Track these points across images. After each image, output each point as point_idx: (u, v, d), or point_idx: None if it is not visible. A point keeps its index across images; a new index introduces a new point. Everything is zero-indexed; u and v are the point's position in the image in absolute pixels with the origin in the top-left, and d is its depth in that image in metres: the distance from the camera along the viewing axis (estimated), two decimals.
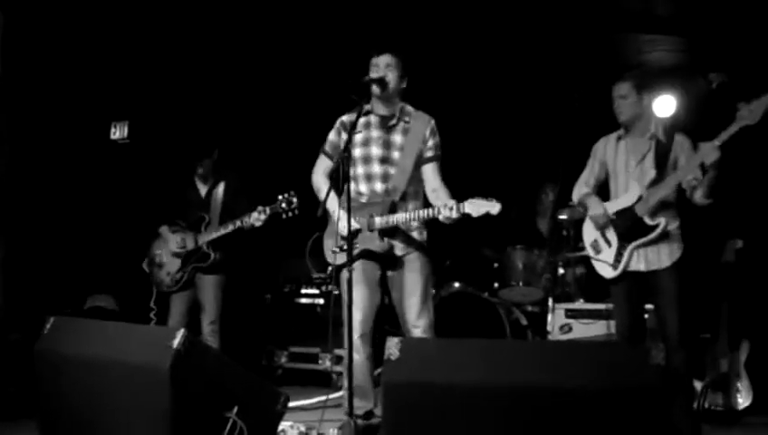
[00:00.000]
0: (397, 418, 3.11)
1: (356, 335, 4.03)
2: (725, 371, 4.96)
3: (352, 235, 3.81)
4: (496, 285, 6.43)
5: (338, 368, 5.91)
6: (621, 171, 4.39)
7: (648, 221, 4.20)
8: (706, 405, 4.90)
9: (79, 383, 3.60)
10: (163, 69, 6.73)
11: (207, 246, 5.26)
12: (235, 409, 3.43)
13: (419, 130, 4.28)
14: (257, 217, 4.95)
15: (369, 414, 4.19)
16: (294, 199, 4.79)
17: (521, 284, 6.25)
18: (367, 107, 4.27)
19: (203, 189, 5.48)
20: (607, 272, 4.35)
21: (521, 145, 7.18)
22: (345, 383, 3.96)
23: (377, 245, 4.15)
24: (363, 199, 4.23)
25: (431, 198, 4.25)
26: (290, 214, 4.81)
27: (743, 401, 4.89)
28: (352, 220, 3.79)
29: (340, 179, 4.11)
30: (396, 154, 4.26)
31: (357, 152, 4.22)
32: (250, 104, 7.22)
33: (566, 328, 5.67)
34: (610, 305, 4.94)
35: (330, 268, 4.32)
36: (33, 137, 6.24)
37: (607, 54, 6.60)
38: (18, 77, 5.89)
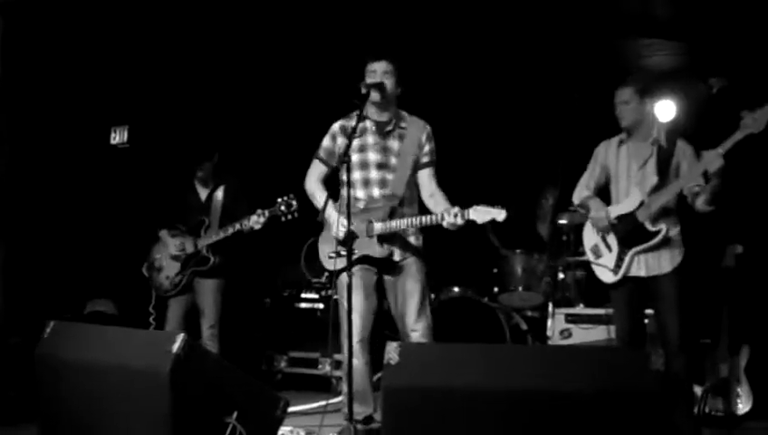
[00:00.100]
0: (396, 422, 3.11)
1: (355, 340, 4.03)
2: (726, 376, 4.95)
3: (352, 240, 3.81)
4: (496, 289, 6.43)
5: (337, 373, 5.90)
6: (623, 176, 4.39)
7: (650, 227, 4.20)
8: (707, 410, 4.89)
9: (79, 388, 3.60)
10: (163, 73, 6.74)
11: (207, 249, 5.26)
12: (235, 414, 3.43)
13: (415, 136, 4.30)
14: (256, 220, 4.95)
15: (368, 419, 4.18)
16: (294, 202, 4.79)
17: (521, 288, 6.25)
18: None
19: (203, 193, 5.48)
20: (607, 277, 4.35)
21: (520, 149, 7.18)
22: (345, 388, 3.95)
23: (377, 250, 4.16)
24: (360, 205, 4.24)
25: (428, 203, 4.27)
26: (289, 217, 4.81)
27: (743, 406, 4.88)
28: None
29: (338, 184, 4.13)
30: (393, 160, 4.28)
31: (354, 158, 4.23)
32: (249, 108, 7.22)
33: (566, 333, 5.67)
34: (610, 310, 4.93)
35: (326, 273, 4.33)
36: (34, 141, 6.25)
37: (607, 58, 6.60)
38: (18, 81, 5.90)
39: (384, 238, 4.18)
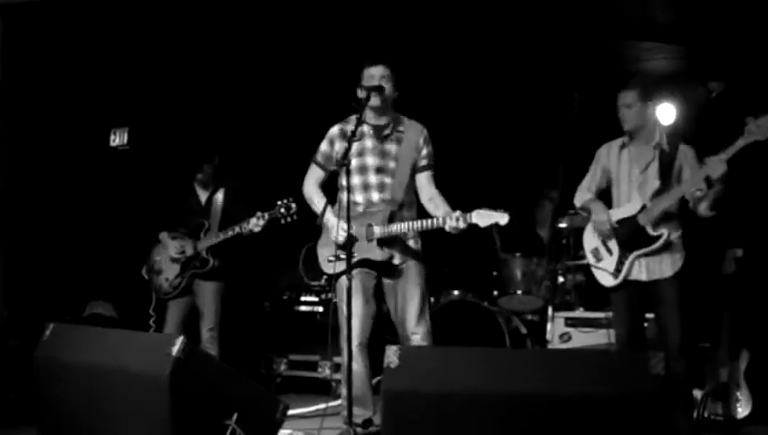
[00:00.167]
0: (396, 426, 3.11)
1: (354, 343, 4.03)
2: (725, 380, 4.95)
3: (352, 244, 3.81)
4: (495, 293, 6.42)
5: (337, 376, 5.89)
6: (624, 179, 4.38)
7: (651, 231, 4.20)
8: (706, 414, 4.88)
9: (78, 390, 3.60)
10: (163, 75, 6.74)
11: (206, 252, 5.26)
12: (235, 416, 3.43)
13: (413, 139, 4.31)
14: (256, 223, 4.95)
15: (368, 422, 4.18)
16: (293, 205, 4.79)
17: (520, 292, 6.24)
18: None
19: (203, 196, 5.48)
20: (607, 280, 4.35)
21: (520, 152, 7.18)
22: (344, 391, 3.95)
23: (377, 254, 4.17)
24: (359, 209, 4.24)
25: (428, 206, 4.28)
26: (288, 219, 4.81)
27: (742, 410, 4.87)
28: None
29: (336, 189, 4.13)
30: (391, 164, 4.29)
31: (352, 162, 4.22)
32: (249, 111, 7.22)
33: (565, 337, 5.67)
34: (610, 314, 4.93)
35: (324, 277, 4.34)
36: (33, 143, 6.25)
37: (607, 61, 6.61)
38: (18, 83, 5.90)
39: (384, 242, 4.18)
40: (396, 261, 4.23)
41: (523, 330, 6.08)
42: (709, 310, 5.11)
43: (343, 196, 3.95)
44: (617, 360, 3.27)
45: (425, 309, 4.24)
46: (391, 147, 4.30)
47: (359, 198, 4.27)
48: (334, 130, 4.40)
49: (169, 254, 5.35)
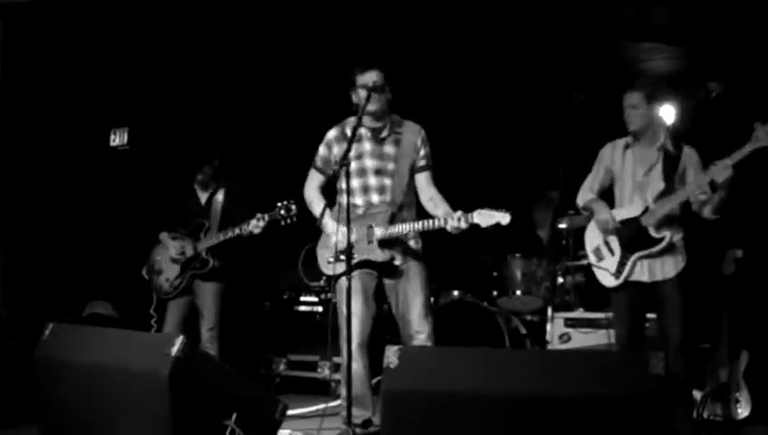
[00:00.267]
0: (395, 426, 3.11)
1: (354, 344, 4.03)
2: (725, 381, 4.95)
3: (351, 245, 3.81)
4: (495, 293, 6.42)
5: (336, 376, 5.89)
6: (628, 181, 4.38)
7: (654, 233, 4.20)
8: (705, 415, 4.88)
9: (78, 390, 3.60)
10: (163, 75, 6.74)
11: (206, 252, 5.26)
12: (234, 416, 3.43)
13: (411, 140, 4.32)
14: (256, 224, 4.95)
15: (367, 423, 4.18)
16: (293, 207, 4.78)
17: (520, 292, 6.24)
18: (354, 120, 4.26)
19: (203, 197, 5.48)
20: (608, 281, 4.36)
21: (520, 153, 7.18)
22: (343, 392, 3.95)
23: (378, 255, 4.17)
24: (359, 211, 4.24)
25: (428, 206, 4.28)
26: (288, 221, 4.81)
27: (742, 411, 4.87)
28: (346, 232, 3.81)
29: (335, 192, 4.12)
30: (390, 165, 4.29)
31: (351, 166, 4.22)
32: (250, 112, 7.22)
33: (565, 337, 5.66)
34: (610, 315, 4.93)
35: (324, 278, 4.34)
36: (33, 143, 6.25)
37: (608, 61, 6.61)
38: (18, 82, 5.90)
39: (384, 243, 4.19)
40: (397, 262, 4.23)
41: (523, 330, 6.08)
42: (709, 310, 5.11)
43: (343, 199, 3.95)
44: (616, 360, 3.27)
45: (428, 308, 4.25)
46: (389, 149, 4.31)
47: (358, 200, 4.27)
48: (331, 133, 4.40)
49: (170, 254, 5.35)
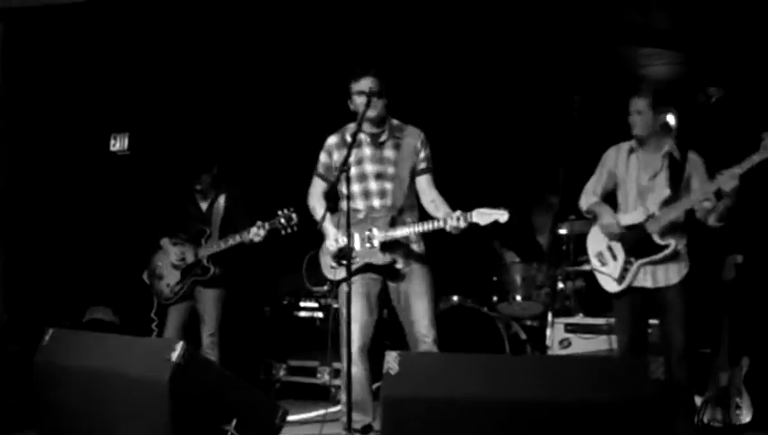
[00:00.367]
0: (395, 432, 3.10)
1: (354, 349, 4.02)
2: (725, 386, 4.94)
3: (351, 250, 3.81)
4: (495, 298, 6.42)
5: (336, 382, 5.88)
6: (632, 186, 4.38)
7: (658, 240, 4.20)
8: (706, 420, 4.88)
9: (78, 395, 3.60)
10: (163, 81, 6.74)
11: (207, 259, 5.26)
12: (234, 422, 3.43)
13: (410, 144, 4.32)
14: (256, 233, 4.93)
15: (367, 428, 4.17)
16: (293, 216, 4.77)
17: (520, 298, 6.24)
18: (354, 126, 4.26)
19: (203, 204, 5.47)
20: (611, 286, 4.35)
21: (520, 156, 7.18)
22: (344, 397, 3.94)
23: (379, 258, 4.17)
24: (361, 216, 4.25)
25: (430, 209, 4.29)
26: (289, 230, 4.79)
27: (742, 416, 4.87)
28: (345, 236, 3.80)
29: (336, 197, 4.12)
30: (390, 169, 4.30)
31: (351, 171, 4.22)
32: (250, 118, 7.22)
33: (565, 343, 5.66)
34: (611, 320, 4.92)
35: (327, 283, 4.34)
36: (34, 148, 6.25)
37: (607, 65, 6.61)
38: (18, 87, 5.90)
39: (386, 246, 4.19)
40: (399, 265, 4.23)
41: (523, 336, 6.07)
42: (709, 316, 5.10)
43: (344, 204, 3.95)
44: (617, 365, 3.27)
45: (433, 313, 4.25)
46: (389, 153, 4.31)
47: (360, 205, 4.28)
48: (331, 140, 4.41)
49: (170, 260, 5.35)
